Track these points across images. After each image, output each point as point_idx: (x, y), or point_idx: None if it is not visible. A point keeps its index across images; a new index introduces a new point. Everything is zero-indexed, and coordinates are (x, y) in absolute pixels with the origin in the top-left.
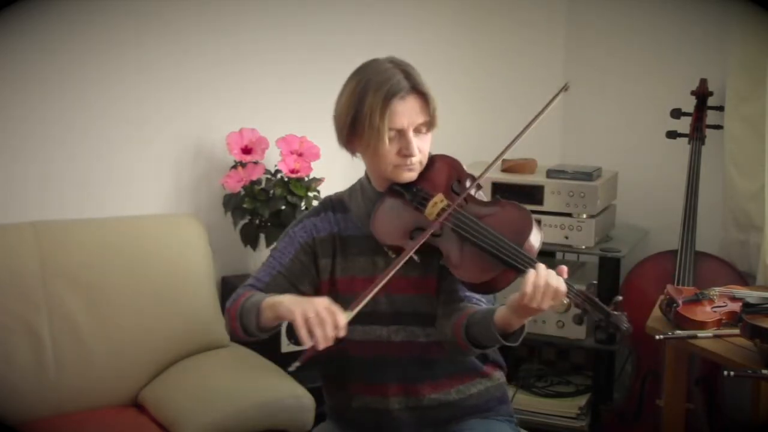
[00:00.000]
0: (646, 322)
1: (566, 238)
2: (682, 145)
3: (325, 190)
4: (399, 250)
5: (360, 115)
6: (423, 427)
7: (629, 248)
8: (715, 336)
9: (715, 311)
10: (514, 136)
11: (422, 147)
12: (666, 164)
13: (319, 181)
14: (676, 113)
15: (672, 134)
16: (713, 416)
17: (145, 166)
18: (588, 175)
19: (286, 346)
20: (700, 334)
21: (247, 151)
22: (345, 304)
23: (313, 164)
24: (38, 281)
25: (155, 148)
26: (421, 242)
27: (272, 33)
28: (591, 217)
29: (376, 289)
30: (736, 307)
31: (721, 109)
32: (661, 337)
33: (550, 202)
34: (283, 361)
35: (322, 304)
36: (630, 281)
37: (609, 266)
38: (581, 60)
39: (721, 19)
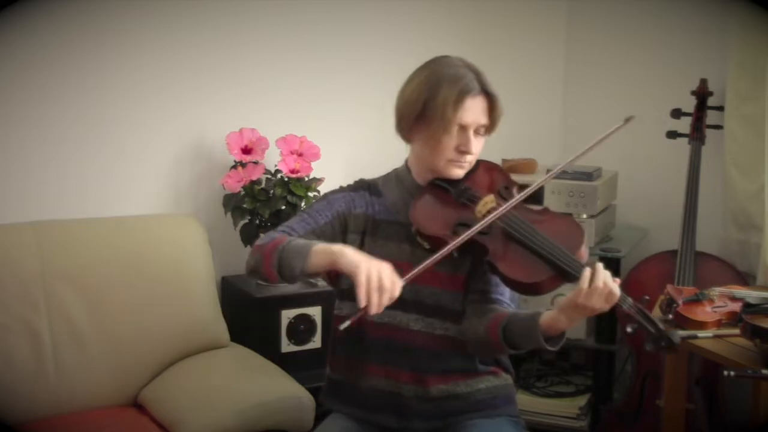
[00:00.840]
0: None
1: None
2: (682, 145)
3: (325, 190)
4: (437, 241)
5: (432, 104)
6: (431, 417)
7: (629, 248)
8: (715, 336)
9: (715, 311)
10: (513, 136)
11: (477, 148)
12: (666, 164)
13: (319, 181)
14: (676, 113)
15: (672, 134)
16: (713, 416)
17: (145, 166)
18: (588, 175)
19: (286, 347)
20: (700, 334)
21: (247, 151)
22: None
23: (313, 164)
24: (38, 281)
25: (155, 148)
26: (470, 235)
27: (272, 33)
28: (591, 217)
29: (426, 264)
30: (736, 307)
31: (721, 109)
32: None
33: (550, 202)
34: (283, 361)
35: (387, 270)
36: (630, 281)
37: (609, 266)
38: (581, 60)
39: (721, 19)
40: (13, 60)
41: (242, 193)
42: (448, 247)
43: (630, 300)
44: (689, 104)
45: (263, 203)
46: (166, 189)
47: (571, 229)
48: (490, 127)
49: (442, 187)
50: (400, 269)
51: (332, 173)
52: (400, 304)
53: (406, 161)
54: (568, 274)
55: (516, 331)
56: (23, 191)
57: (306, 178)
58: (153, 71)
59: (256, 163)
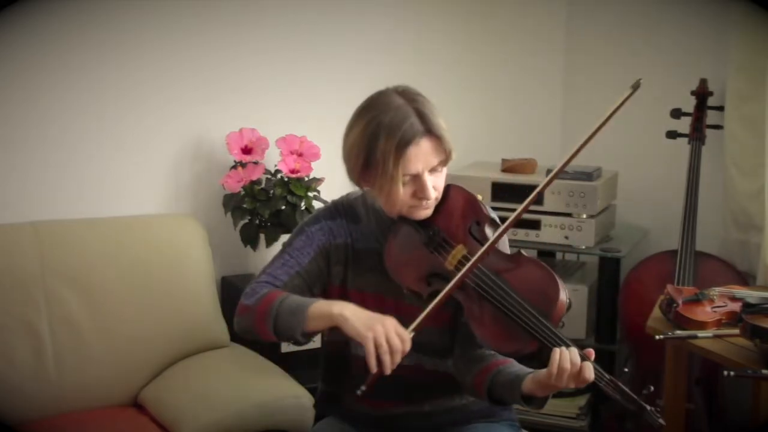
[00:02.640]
0: (646, 322)
1: (566, 238)
2: (682, 145)
3: (325, 190)
4: (415, 294)
5: (372, 159)
6: (427, 430)
7: (629, 248)
8: (715, 336)
9: (715, 311)
10: (513, 136)
11: (438, 184)
12: (666, 164)
13: (319, 181)
14: (676, 113)
15: (672, 134)
16: (713, 416)
17: (145, 166)
18: (588, 175)
19: (286, 347)
20: (700, 334)
21: (247, 151)
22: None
23: (313, 164)
24: (38, 281)
25: (155, 148)
26: (447, 294)
27: (272, 33)
28: (591, 217)
29: (429, 309)
30: (736, 307)
31: (721, 109)
32: (661, 337)
33: (550, 202)
34: (283, 361)
35: (393, 328)
36: (630, 281)
37: (609, 266)
38: (581, 60)
39: (721, 19)
40: (13, 60)
41: (242, 193)
42: (429, 307)
43: (607, 376)
44: (689, 104)
45: (263, 203)
46: (166, 189)
47: (545, 280)
48: (446, 161)
49: (412, 225)
50: (385, 303)
51: (332, 173)
52: None
53: None
54: (543, 344)
55: (501, 390)
56: (23, 191)
57: (306, 178)
58: (153, 71)
59: (256, 163)
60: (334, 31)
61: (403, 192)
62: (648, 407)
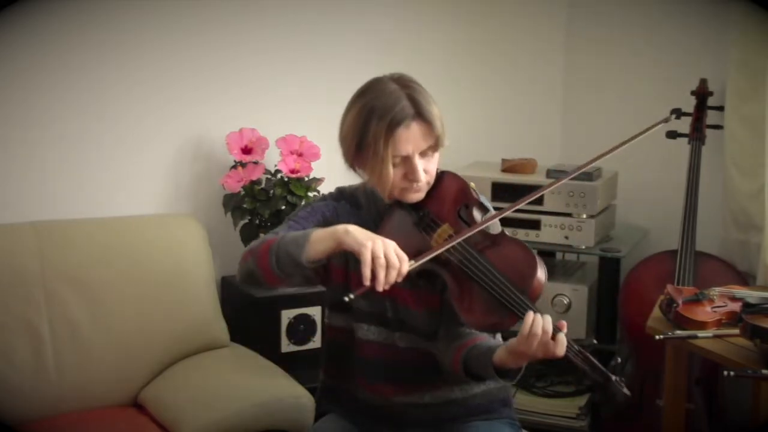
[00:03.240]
0: (646, 322)
1: (566, 238)
2: (682, 145)
3: (325, 190)
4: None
5: (364, 142)
6: (426, 424)
7: (629, 248)
8: (715, 336)
9: (715, 311)
10: (513, 136)
11: (429, 168)
12: (666, 164)
13: (319, 181)
14: (676, 113)
15: (672, 134)
16: (713, 416)
17: (145, 166)
18: (588, 175)
19: (286, 346)
20: (700, 334)
21: (247, 151)
22: (356, 299)
23: (313, 164)
24: (38, 281)
25: (155, 148)
26: (422, 262)
27: (272, 33)
28: (591, 217)
29: (436, 253)
30: (736, 307)
31: (721, 109)
32: (661, 337)
33: (550, 202)
34: (283, 361)
35: (393, 247)
36: (630, 281)
37: (609, 266)
38: (581, 60)
39: (721, 19)
40: (13, 60)
41: (242, 193)
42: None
43: (576, 347)
44: (689, 104)
45: (263, 203)
46: (166, 189)
47: (524, 258)
48: (436, 145)
49: (405, 208)
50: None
51: (332, 173)
52: (384, 321)
53: None
54: (518, 316)
55: (473, 365)
56: (23, 191)
57: (306, 178)
58: (153, 71)
59: (256, 163)
60: (334, 31)
61: (394, 174)
62: (613, 377)
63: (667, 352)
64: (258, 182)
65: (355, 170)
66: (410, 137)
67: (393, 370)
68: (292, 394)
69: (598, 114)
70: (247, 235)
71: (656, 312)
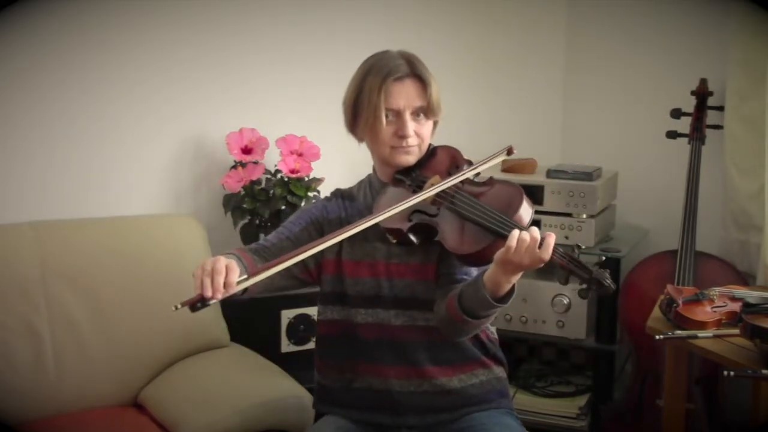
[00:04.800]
0: (646, 322)
1: (566, 238)
2: (682, 145)
3: (325, 190)
4: (398, 233)
5: (361, 96)
6: (424, 412)
7: (629, 248)
8: (715, 336)
9: (715, 311)
10: (513, 136)
11: (420, 132)
12: (666, 164)
13: (319, 181)
14: (676, 113)
15: (672, 134)
16: (713, 416)
17: (145, 166)
18: (588, 175)
19: (286, 347)
20: (700, 334)
21: (247, 151)
22: (350, 286)
23: (313, 164)
24: (38, 281)
25: (155, 147)
26: (407, 204)
27: (272, 32)
28: (591, 217)
29: (276, 268)
30: (736, 307)
31: (721, 109)
32: (661, 337)
33: (550, 202)
34: (283, 361)
35: (222, 261)
36: (630, 281)
37: (609, 266)
38: (581, 60)
39: (721, 19)
40: (13, 60)
41: (242, 193)
42: (369, 220)
43: (560, 249)
44: (689, 104)
45: (263, 203)
46: (166, 189)
47: (511, 193)
48: (429, 110)
49: (400, 180)
50: (376, 267)
51: (332, 173)
52: (379, 301)
53: (373, 163)
54: (504, 236)
55: (466, 297)
56: (23, 191)
57: (306, 178)
58: (153, 71)
59: (256, 163)
60: (334, 31)
61: (386, 128)
62: (595, 269)
63: (667, 352)
64: (258, 182)
65: (354, 135)
66: (403, 92)
67: (391, 349)
68: (292, 394)
69: (598, 114)
70: (247, 235)
71: (656, 312)
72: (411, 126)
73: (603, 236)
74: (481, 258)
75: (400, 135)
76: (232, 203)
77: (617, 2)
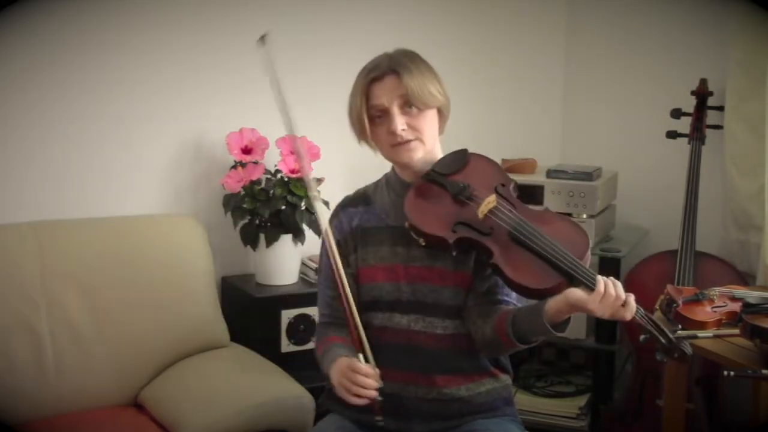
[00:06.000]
0: None
1: None
2: (682, 145)
3: (325, 190)
4: (437, 240)
5: (350, 101)
6: (430, 419)
7: (629, 248)
8: (715, 336)
9: (715, 311)
10: (513, 136)
11: (415, 124)
12: (666, 164)
13: (319, 181)
14: (676, 113)
15: (672, 134)
16: (713, 416)
17: (145, 166)
18: (588, 175)
19: (286, 346)
20: (700, 334)
21: (247, 151)
22: (366, 293)
23: (313, 164)
24: (38, 281)
25: (155, 148)
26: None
27: (272, 33)
28: (591, 217)
29: (357, 318)
30: (736, 307)
31: (721, 109)
32: None
33: (550, 202)
34: (283, 361)
35: (344, 363)
36: (630, 281)
37: (609, 266)
38: (581, 60)
39: (721, 19)
40: (13, 60)
41: (242, 193)
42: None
43: (642, 310)
44: (689, 104)
45: (263, 203)
46: (166, 189)
47: (576, 233)
48: (417, 100)
49: (436, 182)
50: (395, 272)
51: (332, 173)
52: (397, 306)
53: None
54: (578, 282)
55: (523, 323)
56: (23, 191)
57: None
58: (153, 71)
59: (256, 163)
60: (334, 31)
61: (379, 129)
62: (673, 336)
63: None
64: (258, 182)
65: (367, 144)
66: (384, 87)
67: (407, 353)
68: (292, 394)
69: (598, 114)
70: (247, 235)
71: (656, 312)
72: (400, 120)
73: (603, 236)
74: (543, 294)
75: (392, 131)
76: (232, 203)
77: (617, 2)
